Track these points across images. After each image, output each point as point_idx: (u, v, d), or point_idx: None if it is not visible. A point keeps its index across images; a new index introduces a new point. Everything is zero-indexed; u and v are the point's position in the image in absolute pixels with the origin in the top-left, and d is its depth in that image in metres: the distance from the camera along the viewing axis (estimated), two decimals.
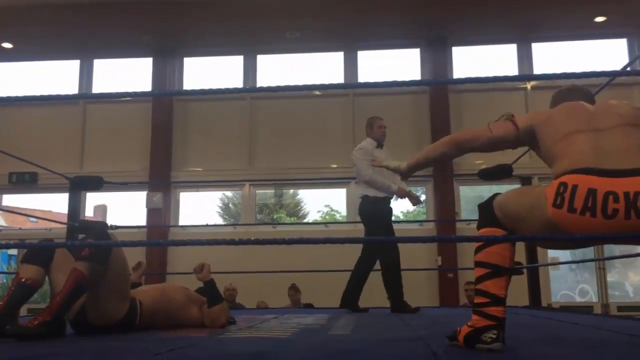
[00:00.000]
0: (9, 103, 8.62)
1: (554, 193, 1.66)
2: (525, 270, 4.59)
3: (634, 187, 1.57)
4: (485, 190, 9.29)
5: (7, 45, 9.06)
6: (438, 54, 8.93)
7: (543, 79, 2.75)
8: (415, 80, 7.60)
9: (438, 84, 8.91)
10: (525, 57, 9.10)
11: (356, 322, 3.14)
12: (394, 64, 9.45)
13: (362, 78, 9.26)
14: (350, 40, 9.15)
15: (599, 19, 8.35)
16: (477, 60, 9.39)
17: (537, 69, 9.06)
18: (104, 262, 2.32)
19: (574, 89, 2.13)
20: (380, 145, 4.52)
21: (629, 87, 8.52)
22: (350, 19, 8.49)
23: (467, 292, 6.26)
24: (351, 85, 7.68)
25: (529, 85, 8.92)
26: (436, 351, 1.74)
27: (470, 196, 9.35)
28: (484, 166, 5.23)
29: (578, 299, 8.52)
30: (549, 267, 7.95)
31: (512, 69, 9.06)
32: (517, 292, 5.03)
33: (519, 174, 5.11)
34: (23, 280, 2.35)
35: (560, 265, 8.27)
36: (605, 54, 9.11)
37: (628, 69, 4.67)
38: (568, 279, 8.68)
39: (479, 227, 1.92)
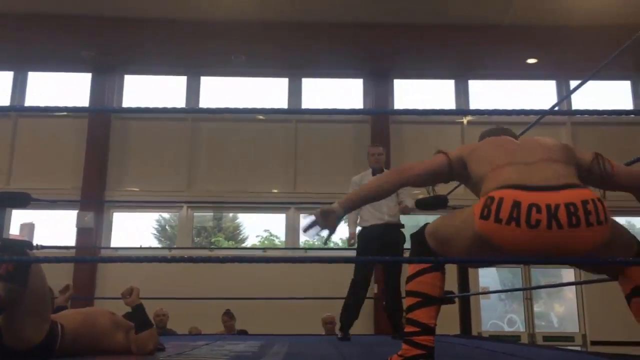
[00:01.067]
0: None
1: (481, 207, 1.75)
2: (456, 299, 4.68)
3: (555, 200, 1.67)
4: (423, 220, 9.50)
5: None
6: (380, 85, 9.15)
7: (478, 114, 2.86)
8: (358, 110, 7.74)
9: (380, 114, 9.12)
10: (462, 93, 9.47)
11: (288, 349, 3.10)
12: (337, 94, 9.61)
13: (305, 105, 9.34)
14: (295, 67, 9.24)
15: (531, 61, 8.82)
16: (417, 93, 9.68)
17: (473, 105, 9.44)
18: (21, 281, 2.20)
19: (500, 128, 2.25)
20: (375, 172, 4.51)
21: (556, 127, 9.00)
22: (296, 46, 8.59)
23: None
24: (294, 111, 7.75)
25: (465, 120, 9.26)
26: None
27: (408, 225, 9.50)
28: (420, 196, 5.33)
29: (506, 329, 8.77)
30: (480, 296, 8.16)
31: (450, 104, 9.39)
32: (448, 320, 5.14)
33: (455, 205, 5.25)
34: None
35: (490, 295, 8.51)
36: (536, 94, 9.61)
37: (556, 108, 4.93)
38: (497, 309, 8.94)
39: (411, 256, 1.96)
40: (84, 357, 2.50)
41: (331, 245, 10.15)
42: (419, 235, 1.95)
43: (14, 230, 9.24)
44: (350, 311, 4.33)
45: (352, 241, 4.56)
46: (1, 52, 8.69)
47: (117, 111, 9.62)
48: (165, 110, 2.24)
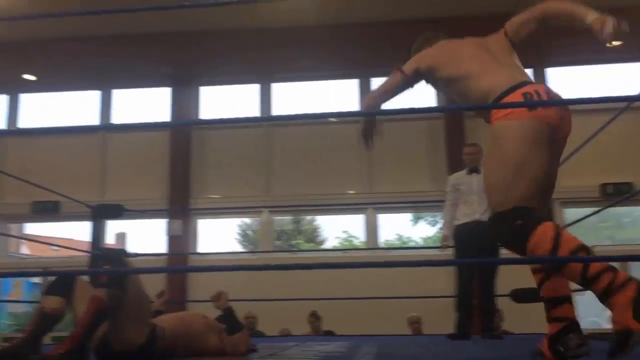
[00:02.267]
0: (33, 135, 8.81)
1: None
2: None
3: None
4: None
5: (30, 77, 9.29)
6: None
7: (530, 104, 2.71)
8: (433, 107, 7.56)
9: (450, 111, 8.86)
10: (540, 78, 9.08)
11: (378, 350, 3.09)
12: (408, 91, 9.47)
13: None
14: (364, 67, 9.19)
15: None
16: None
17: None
18: (121, 287, 2.35)
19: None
20: (471, 171, 4.54)
21: None
22: (363, 46, 8.56)
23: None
24: (363, 114, 7.69)
25: None
26: None
27: None
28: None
29: (606, 326, 8.31)
30: (576, 292, 7.77)
31: None
32: (543, 318, 4.94)
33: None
34: (46, 310, 2.40)
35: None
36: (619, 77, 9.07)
37: None
38: (596, 305, 8.47)
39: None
40: (182, 355, 2.63)
41: (412, 244, 10.07)
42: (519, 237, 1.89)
43: (109, 240, 9.83)
44: (459, 310, 4.35)
45: (445, 243, 4.53)
46: (88, 73, 9.27)
47: (195, 123, 9.97)
48: (238, 120, 2.32)
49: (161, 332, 2.57)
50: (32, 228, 10.24)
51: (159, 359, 2.55)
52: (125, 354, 2.45)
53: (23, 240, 10.97)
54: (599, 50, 8.43)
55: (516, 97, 2.02)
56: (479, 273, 4.37)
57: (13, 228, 9.78)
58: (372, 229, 8.91)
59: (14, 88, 9.66)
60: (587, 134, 3.64)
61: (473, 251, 4.25)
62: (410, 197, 8.18)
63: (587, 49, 8.37)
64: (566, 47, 8.48)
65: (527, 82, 2.10)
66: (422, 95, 9.35)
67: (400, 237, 10.08)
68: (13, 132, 9.42)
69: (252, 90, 9.62)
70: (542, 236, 1.80)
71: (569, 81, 9.16)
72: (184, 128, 9.17)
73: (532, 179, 1.93)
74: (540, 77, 9.11)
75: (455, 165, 8.51)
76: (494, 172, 2.00)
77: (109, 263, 2.47)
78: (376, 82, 9.40)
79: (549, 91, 2.07)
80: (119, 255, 2.92)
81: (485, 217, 4.29)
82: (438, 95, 9.14)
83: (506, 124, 2.03)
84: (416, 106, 2.31)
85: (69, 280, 2.51)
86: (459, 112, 8.59)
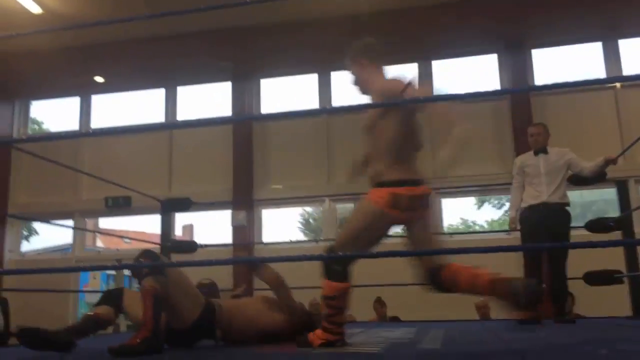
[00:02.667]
0: (104, 134, 9.25)
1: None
2: (625, 279, 4.33)
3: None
4: (576, 195, 8.83)
5: (99, 79, 9.73)
6: (517, 57, 8.66)
7: (633, 79, 2.60)
8: (495, 91, 7.39)
9: (517, 92, 8.63)
10: (612, 55, 8.64)
11: (445, 335, 3.08)
12: (470, 72, 9.25)
13: (437, 87, 9.16)
14: (424, 50, 9.06)
15: None
16: (559, 61, 9.01)
17: (627, 67, 8.57)
18: (162, 273, 2.57)
19: None
20: (537, 152, 4.47)
21: None
22: (422, 29, 8.42)
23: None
24: (420, 100, 7.57)
25: (618, 84, 8.44)
26: None
27: (575, 202, 8.89)
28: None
29: None
30: None
31: (599, 68, 8.62)
32: (618, 301, 4.77)
33: (614, 177, 4.85)
34: (92, 314, 2.70)
35: None
36: None
37: None
38: None
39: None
40: (245, 336, 2.76)
41: (477, 228, 9.88)
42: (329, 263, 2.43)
43: (177, 231, 10.20)
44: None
45: (513, 225, 4.44)
46: (153, 72, 9.60)
47: (256, 117, 10.10)
48: (299, 113, 2.35)
49: (217, 308, 2.78)
50: (106, 222, 10.76)
51: (223, 340, 2.78)
52: (185, 331, 2.67)
53: (98, 234, 11.54)
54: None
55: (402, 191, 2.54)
56: (548, 256, 4.25)
57: (89, 223, 10.32)
58: (435, 214, 8.81)
59: (86, 90, 10.15)
60: None
61: (541, 234, 4.14)
62: (475, 180, 8.03)
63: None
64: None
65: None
66: (484, 76, 9.14)
67: (464, 221, 9.92)
68: (88, 134, 9.90)
69: (311, 80, 9.67)
70: None
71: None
72: (246, 121, 9.35)
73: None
74: (613, 50, 8.68)
75: (522, 146, 8.28)
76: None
77: (149, 257, 2.69)
78: (436, 65, 9.26)
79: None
80: (189, 246, 3.16)
81: (553, 199, 4.18)
82: (501, 77, 8.90)
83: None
84: (479, 89, 2.25)
85: (118, 292, 2.83)
86: (525, 92, 8.33)
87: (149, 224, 10.58)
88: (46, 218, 8.80)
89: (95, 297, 10.14)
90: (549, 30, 8.50)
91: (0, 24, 7.62)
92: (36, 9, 7.80)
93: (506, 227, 5.88)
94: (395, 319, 6.39)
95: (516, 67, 8.63)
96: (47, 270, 8.17)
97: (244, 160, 9.25)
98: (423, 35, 8.61)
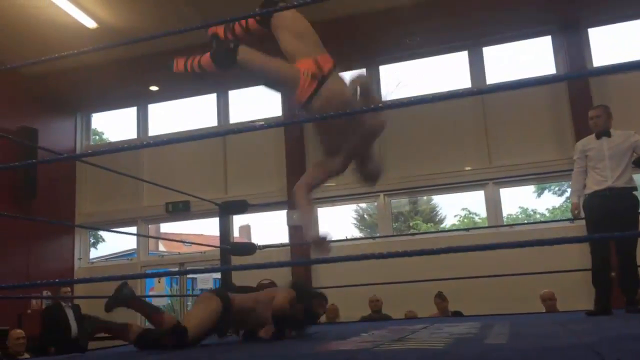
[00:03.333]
0: (166, 144, 9.51)
1: None
2: None
3: None
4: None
5: (154, 88, 10.03)
6: (572, 38, 8.34)
7: None
8: (551, 76, 7.13)
9: (576, 78, 8.30)
10: None
11: (511, 329, 3.01)
12: (524, 56, 8.98)
13: (489, 74, 8.92)
14: (473, 37, 8.85)
15: None
16: (617, 39, 8.61)
17: None
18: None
19: None
20: (599, 135, 4.32)
21: None
22: (472, 15, 8.22)
23: None
24: (477, 92, 7.42)
25: None
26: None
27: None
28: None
29: None
30: None
31: None
32: None
33: None
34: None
35: None
36: None
37: None
38: None
39: None
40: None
41: (537, 217, 9.59)
42: None
43: (234, 233, 10.39)
44: (596, 285, 4.12)
45: (576, 212, 4.28)
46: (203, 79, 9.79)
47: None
48: (346, 114, 2.36)
49: (230, 303, 3.13)
50: (167, 227, 11.10)
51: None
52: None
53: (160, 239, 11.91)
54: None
55: None
56: (617, 243, 4.08)
57: (151, 228, 10.67)
58: (493, 205, 8.62)
59: (142, 100, 10.49)
60: None
61: (607, 220, 3.97)
62: (533, 168, 7.81)
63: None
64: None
65: None
66: (538, 60, 8.86)
67: (524, 210, 9.65)
68: (149, 145, 10.24)
69: None
70: None
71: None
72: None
73: None
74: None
75: (582, 131, 7.98)
76: None
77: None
78: (487, 52, 9.02)
79: None
80: (248, 249, 3.31)
81: (619, 184, 4.01)
82: (556, 60, 8.60)
83: None
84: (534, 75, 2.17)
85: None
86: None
87: (207, 227, 10.85)
88: (111, 225, 9.16)
89: (161, 301, 10.51)
90: (605, 7, 8.13)
91: (57, 40, 7.96)
92: (91, 24, 8.10)
93: (568, 215, 5.69)
94: (457, 314, 6.30)
95: (572, 48, 8.31)
96: (113, 279, 8.52)
97: (297, 160, 9.31)
98: (472, 22, 8.40)
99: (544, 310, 6.01)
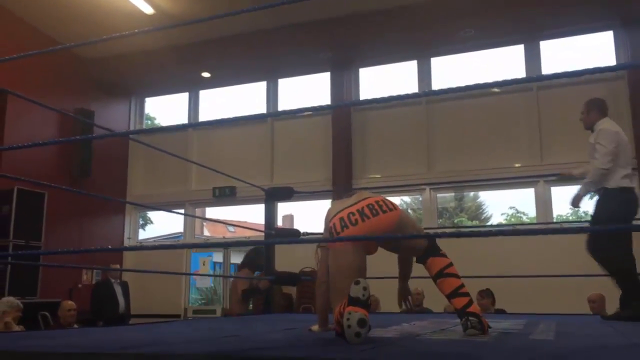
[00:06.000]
0: (211, 126, 9.70)
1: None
2: None
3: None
4: None
5: (206, 74, 10.21)
6: (635, 34, 8.00)
7: None
8: (606, 67, 6.86)
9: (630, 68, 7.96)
10: None
11: (557, 327, 2.94)
12: (583, 51, 8.68)
13: (545, 70, 8.67)
14: (531, 30, 8.61)
15: None
16: None
17: None
18: None
19: None
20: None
21: None
22: (529, 6, 7.99)
23: None
24: (529, 80, 7.21)
25: None
26: None
27: None
28: None
29: None
30: None
31: None
32: None
33: None
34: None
35: None
36: None
37: None
38: None
39: None
40: None
41: (589, 219, 9.29)
42: None
43: (277, 221, 10.48)
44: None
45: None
46: (256, 65, 9.91)
47: (354, 104, 10.14)
48: (397, 97, 2.34)
49: None
50: (212, 212, 11.31)
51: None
52: None
53: (205, 223, 12.16)
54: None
55: None
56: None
57: (197, 212, 10.90)
58: (543, 204, 8.39)
59: (194, 86, 10.71)
60: None
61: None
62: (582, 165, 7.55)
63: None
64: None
65: None
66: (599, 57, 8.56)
67: (575, 211, 9.35)
68: (192, 125, 10.44)
69: (410, 68, 9.53)
70: None
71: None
72: (344, 111, 9.41)
73: None
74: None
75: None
76: None
77: None
78: (544, 46, 8.76)
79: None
80: (293, 234, 3.27)
81: None
82: (618, 57, 8.27)
83: None
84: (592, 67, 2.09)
85: None
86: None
87: (251, 214, 11.00)
88: (159, 208, 9.42)
89: (205, 281, 10.71)
90: None
91: (117, 25, 8.21)
92: (149, 10, 8.32)
93: None
94: (501, 312, 6.19)
95: (635, 44, 7.97)
96: (165, 247, 8.72)
97: (343, 150, 9.32)
98: (530, 14, 8.16)
99: (591, 312, 5.83)
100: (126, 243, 10.56)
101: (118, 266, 8.80)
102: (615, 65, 7.77)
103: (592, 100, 4.24)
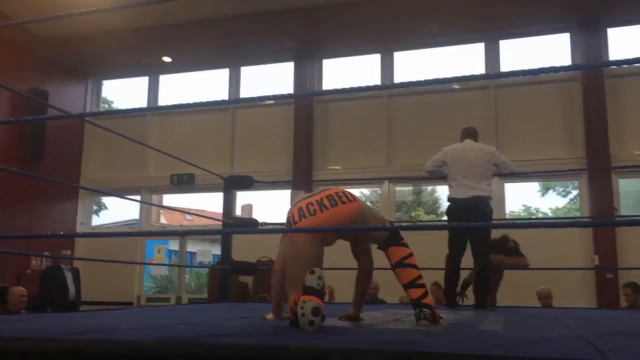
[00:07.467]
0: (168, 111, 9.53)
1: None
2: None
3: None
4: (631, 185, 8.43)
5: (166, 59, 10.01)
6: (592, 37, 8.26)
7: None
8: (563, 67, 7.08)
9: (588, 69, 8.23)
10: None
11: (505, 319, 3.03)
12: (541, 52, 8.91)
13: (504, 68, 8.86)
14: (491, 29, 8.78)
15: None
16: (637, 41, 8.52)
17: None
18: None
19: None
20: None
21: None
22: (491, 6, 8.14)
23: (627, 295, 5.73)
24: (489, 76, 7.37)
25: None
26: (602, 349, 1.63)
27: (630, 191, 8.52)
28: None
29: None
30: None
31: None
32: None
33: None
34: None
35: None
36: None
37: None
38: None
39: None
40: None
41: (539, 216, 9.58)
42: None
43: (236, 211, 10.41)
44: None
45: None
46: (219, 52, 9.78)
47: (318, 94, 10.16)
48: (360, 89, 2.35)
49: None
50: (169, 200, 11.13)
51: None
52: None
53: (162, 211, 11.96)
54: None
55: None
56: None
57: (154, 199, 10.72)
58: (497, 200, 8.59)
59: (154, 70, 10.48)
60: None
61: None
62: (540, 165, 7.77)
63: None
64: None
65: None
66: (556, 57, 8.79)
67: (527, 208, 9.63)
68: (152, 108, 10.25)
69: (373, 61, 9.58)
70: None
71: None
72: (306, 102, 9.40)
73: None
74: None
75: (593, 131, 7.95)
76: None
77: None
78: (503, 45, 8.96)
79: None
80: (251, 224, 3.20)
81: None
82: (574, 59, 8.53)
83: None
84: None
85: None
86: (598, 71, 7.95)
87: (209, 202, 10.88)
88: (114, 194, 9.21)
89: (160, 269, 10.55)
90: (626, 6, 8.03)
91: (76, 3, 7.94)
92: None
93: (572, 215, 5.68)
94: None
95: (590, 47, 8.23)
96: (117, 235, 8.54)
97: (305, 141, 9.32)
98: (491, 13, 8.32)
99: (539, 306, 6.03)
100: (79, 229, 10.29)
101: (69, 252, 8.56)
102: (569, 66, 8.04)
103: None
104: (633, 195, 8.62)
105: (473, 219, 4.07)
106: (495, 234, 5.15)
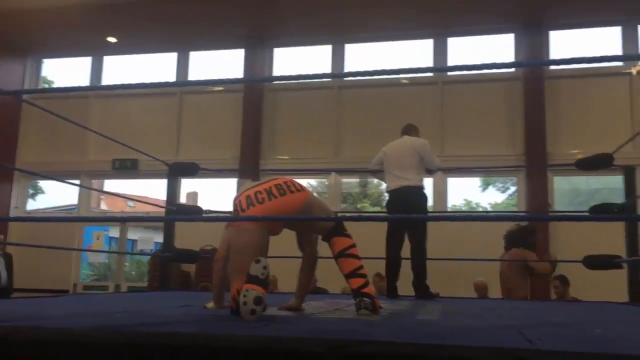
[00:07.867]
0: (111, 92, 9.23)
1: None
2: (625, 265, 4.34)
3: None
4: (582, 182, 8.82)
5: (111, 39, 9.68)
6: (534, 38, 8.56)
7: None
8: (507, 63, 7.32)
9: (530, 66, 8.53)
10: (631, 41, 8.53)
11: (442, 309, 3.12)
12: (487, 51, 9.16)
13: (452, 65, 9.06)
14: (440, 27, 8.96)
15: None
16: (576, 45, 8.88)
17: None
18: None
19: None
20: None
21: None
22: (441, 4, 8.30)
23: (555, 288, 6.01)
24: (437, 69, 7.52)
25: (634, 70, 8.34)
26: (530, 339, 1.70)
27: (564, 189, 8.91)
28: (580, 156, 4.98)
29: None
30: None
31: (617, 54, 8.52)
32: (616, 287, 4.79)
33: (622, 164, 4.82)
34: None
35: None
36: None
37: None
38: None
39: None
40: None
41: (478, 208, 9.88)
42: None
43: (180, 198, 10.22)
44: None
45: None
46: (167, 35, 9.53)
47: (267, 80, 10.05)
48: (310, 76, 2.36)
49: None
50: (111, 185, 10.82)
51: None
52: None
53: (102, 197, 11.62)
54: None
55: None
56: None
57: (94, 184, 10.38)
58: (439, 194, 8.80)
59: (98, 50, 10.11)
60: None
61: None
62: (482, 161, 8.00)
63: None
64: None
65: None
66: (500, 57, 9.04)
67: (468, 203, 9.92)
68: (95, 87, 9.90)
69: (324, 52, 9.59)
70: None
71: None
72: (255, 90, 9.31)
73: None
74: (632, 35, 8.55)
75: (532, 130, 8.24)
76: None
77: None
78: (452, 42, 9.15)
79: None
80: (194, 211, 3.13)
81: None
82: (517, 59, 8.81)
83: None
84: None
85: None
86: (539, 72, 8.26)
87: (152, 190, 10.65)
88: (52, 178, 8.86)
89: (99, 257, 10.24)
90: (569, 11, 8.36)
91: None
92: None
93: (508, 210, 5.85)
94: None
95: (533, 48, 8.53)
96: (53, 219, 8.23)
97: (253, 129, 9.24)
98: (439, 8, 8.47)
99: (476, 296, 6.23)
100: (12, 213, 9.85)
101: (2, 237, 8.19)
102: (510, 63, 8.31)
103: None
104: (567, 193, 9.02)
105: (406, 208, 4.16)
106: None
